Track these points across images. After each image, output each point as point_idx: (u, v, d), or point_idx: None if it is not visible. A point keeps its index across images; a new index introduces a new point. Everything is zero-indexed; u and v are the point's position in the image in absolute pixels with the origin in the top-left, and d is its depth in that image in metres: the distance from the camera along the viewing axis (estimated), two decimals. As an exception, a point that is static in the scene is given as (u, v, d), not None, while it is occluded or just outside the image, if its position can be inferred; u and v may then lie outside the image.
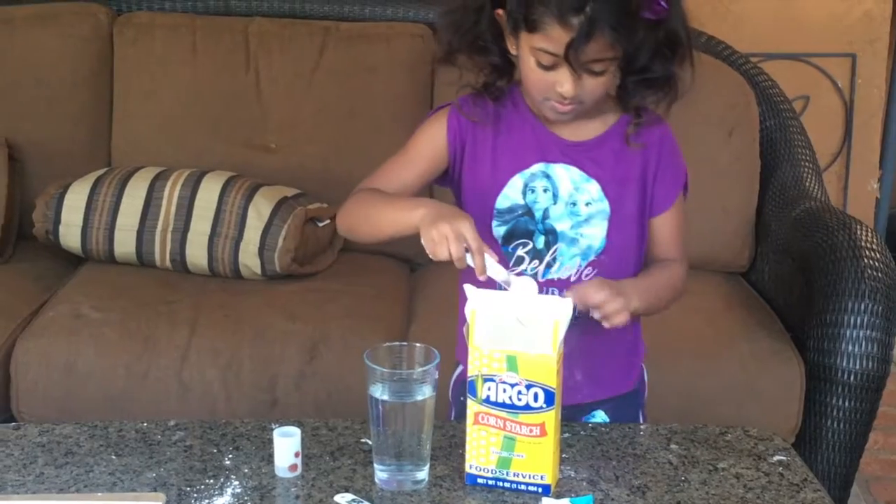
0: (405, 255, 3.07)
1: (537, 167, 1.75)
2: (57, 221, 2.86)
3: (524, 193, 1.75)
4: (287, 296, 2.73)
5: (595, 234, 1.76)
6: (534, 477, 1.56)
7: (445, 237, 1.56)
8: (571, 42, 1.56)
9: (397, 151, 1.82)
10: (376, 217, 1.72)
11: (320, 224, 2.89)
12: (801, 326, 2.63)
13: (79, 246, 2.87)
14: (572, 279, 1.76)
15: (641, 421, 1.90)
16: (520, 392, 1.54)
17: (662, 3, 1.60)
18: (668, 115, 1.74)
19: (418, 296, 2.85)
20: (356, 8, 3.22)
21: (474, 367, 1.54)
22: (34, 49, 3.10)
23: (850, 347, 2.46)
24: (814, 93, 3.76)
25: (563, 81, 1.62)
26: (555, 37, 1.58)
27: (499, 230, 1.76)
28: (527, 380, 1.53)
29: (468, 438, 1.57)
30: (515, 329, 1.53)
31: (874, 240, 2.58)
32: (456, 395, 1.88)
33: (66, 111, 3.10)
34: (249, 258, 2.78)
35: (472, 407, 1.56)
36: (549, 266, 1.76)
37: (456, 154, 1.77)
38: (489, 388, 1.54)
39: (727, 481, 1.61)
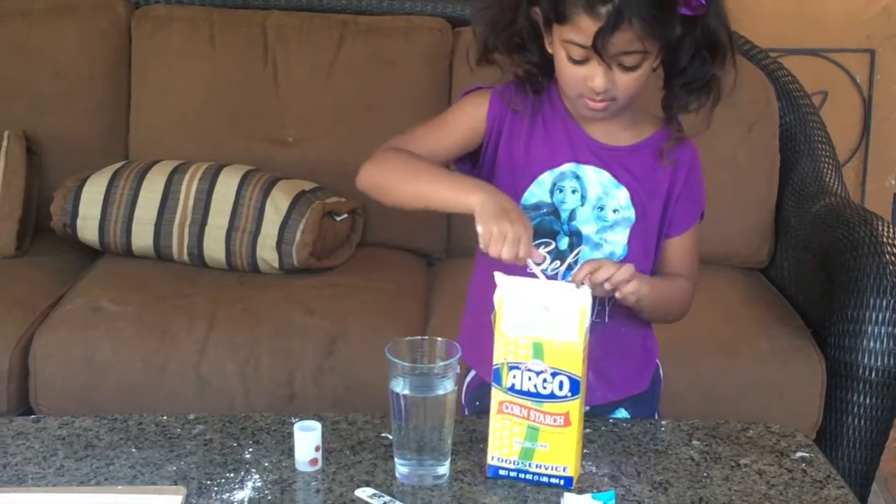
0: (423, 250, 3.07)
1: (568, 167, 1.73)
2: (75, 214, 2.86)
3: (552, 192, 1.73)
4: (305, 290, 2.73)
5: (618, 241, 1.74)
6: (556, 469, 1.55)
7: (505, 237, 1.54)
8: (599, 31, 1.55)
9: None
10: (418, 185, 1.68)
11: (338, 218, 2.89)
12: (821, 323, 2.62)
13: (96, 239, 2.87)
14: None
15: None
16: (545, 380, 1.53)
17: (703, 1, 1.58)
18: (711, 120, 1.71)
19: (436, 291, 2.85)
20: (374, 1, 3.21)
21: (500, 355, 1.54)
22: (52, 42, 3.10)
23: (872, 344, 2.45)
24: (832, 88, 3.74)
25: (594, 75, 1.60)
26: (583, 27, 1.56)
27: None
28: (553, 367, 1.52)
29: (491, 429, 1.57)
30: (542, 316, 1.52)
31: (895, 236, 2.56)
32: (470, 400, 1.88)
33: (84, 104, 3.10)
34: (267, 252, 2.78)
35: (496, 396, 1.55)
36: (570, 268, 1.74)
37: (491, 137, 1.75)
38: (514, 377, 1.54)
39: (749, 477, 1.60)
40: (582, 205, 1.73)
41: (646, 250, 1.77)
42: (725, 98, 1.68)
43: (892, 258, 2.49)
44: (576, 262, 1.73)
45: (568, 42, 1.60)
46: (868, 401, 2.48)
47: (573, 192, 1.73)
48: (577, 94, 1.65)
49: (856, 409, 2.49)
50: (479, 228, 1.57)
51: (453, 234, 3.03)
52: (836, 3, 3.74)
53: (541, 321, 1.52)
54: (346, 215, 2.91)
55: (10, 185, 2.90)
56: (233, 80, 3.08)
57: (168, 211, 2.82)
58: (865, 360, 2.46)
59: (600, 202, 1.73)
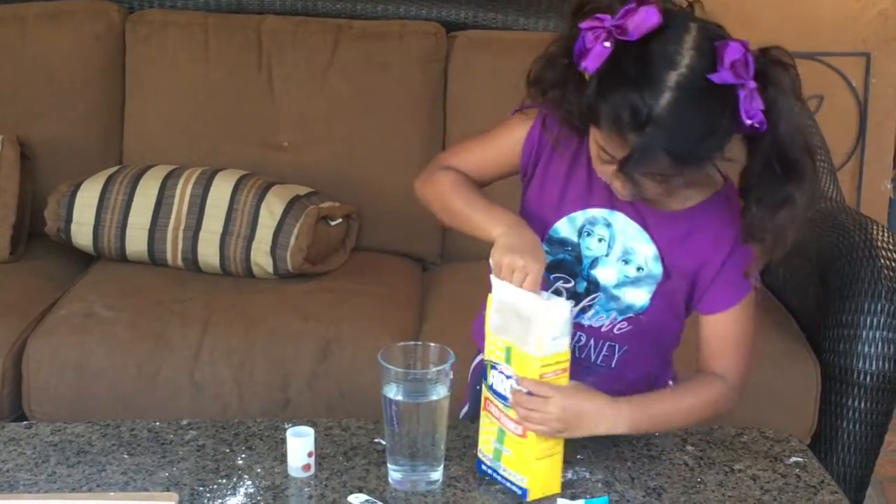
0: (418, 255, 3.07)
1: (602, 212, 1.66)
2: (69, 220, 2.85)
3: (580, 234, 1.68)
4: (299, 295, 2.73)
5: (639, 296, 1.68)
6: (516, 477, 1.56)
7: (513, 270, 1.54)
8: (625, 159, 1.46)
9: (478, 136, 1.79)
10: (457, 211, 1.70)
11: (332, 223, 2.88)
12: (816, 327, 2.62)
13: (90, 244, 2.87)
14: (603, 329, 1.70)
15: None
16: (512, 386, 1.54)
17: (757, 118, 1.44)
18: (787, 248, 1.57)
19: (431, 295, 2.84)
20: (369, 5, 3.20)
21: (488, 353, 1.56)
22: (46, 47, 3.10)
23: (866, 348, 2.45)
24: (828, 92, 3.74)
25: (618, 182, 1.52)
26: (611, 143, 1.48)
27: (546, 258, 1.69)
28: (517, 375, 1.53)
29: (480, 423, 1.59)
30: (515, 322, 1.53)
31: (891, 240, 2.56)
32: (473, 381, 1.85)
33: (78, 109, 3.09)
34: (261, 257, 2.77)
35: (484, 392, 1.58)
36: (584, 311, 1.70)
37: (528, 164, 1.71)
38: (493, 376, 1.56)
39: (743, 483, 1.60)
40: (607, 255, 1.67)
41: (672, 310, 1.69)
42: (801, 226, 1.54)
43: (887, 262, 2.49)
44: (591, 305, 1.70)
45: (596, 143, 1.53)
46: (863, 405, 2.47)
47: (600, 240, 1.66)
48: (607, 181, 1.58)
49: (851, 414, 2.49)
50: (491, 260, 1.57)
51: (448, 238, 3.02)
52: (831, 7, 3.74)
53: (514, 326, 1.53)
54: (340, 220, 2.91)
55: (4, 190, 2.89)
56: (227, 84, 3.07)
57: (162, 216, 2.81)
58: (860, 365, 2.46)
59: (626, 256, 1.66)
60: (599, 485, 1.58)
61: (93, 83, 3.11)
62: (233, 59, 3.08)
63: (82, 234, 2.86)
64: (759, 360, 2.53)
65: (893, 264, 2.49)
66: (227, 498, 1.53)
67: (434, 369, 1.55)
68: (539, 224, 1.66)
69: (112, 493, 1.53)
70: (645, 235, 1.65)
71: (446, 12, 3.19)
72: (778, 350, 2.59)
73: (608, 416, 1.57)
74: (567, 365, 1.53)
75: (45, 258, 2.95)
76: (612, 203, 1.65)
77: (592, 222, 1.67)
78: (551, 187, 1.69)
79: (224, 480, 1.57)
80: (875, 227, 2.61)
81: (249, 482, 1.57)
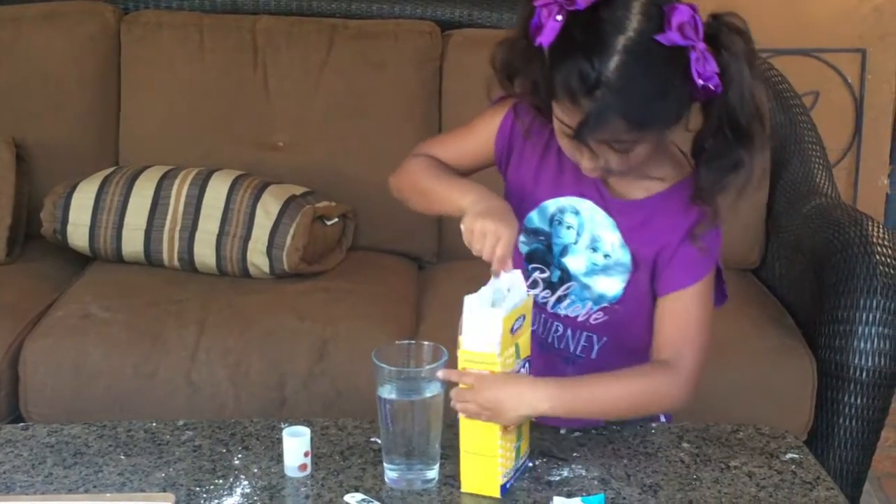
0: (414, 254, 3.07)
1: (572, 200, 1.68)
2: (65, 221, 2.85)
3: (551, 222, 1.70)
4: (296, 295, 2.73)
5: (612, 285, 1.68)
6: (527, 454, 1.61)
7: (485, 235, 1.54)
8: (580, 125, 1.48)
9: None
10: (429, 190, 1.70)
11: (329, 222, 2.88)
12: (812, 323, 2.62)
13: (86, 245, 2.87)
14: (580, 319, 1.72)
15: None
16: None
17: (712, 81, 1.46)
18: (735, 210, 1.61)
19: (427, 294, 2.84)
20: (363, 5, 3.21)
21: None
22: (41, 48, 3.10)
23: (862, 344, 2.45)
24: (823, 88, 3.74)
25: (581, 154, 1.55)
26: (567, 112, 1.50)
27: (522, 247, 1.71)
28: (527, 358, 1.58)
29: (500, 451, 1.54)
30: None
31: (886, 236, 2.56)
32: None
33: (74, 110, 3.09)
34: (258, 257, 2.77)
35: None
36: (559, 300, 1.72)
37: (502, 154, 1.73)
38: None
39: (739, 479, 1.60)
40: (575, 242, 1.69)
41: (643, 300, 1.69)
42: (753, 187, 1.56)
43: (883, 258, 2.49)
44: (566, 294, 1.71)
45: (556, 117, 1.54)
46: (859, 401, 2.47)
47: (569, 228, 1.68)
48: (572, 159, 1.60)
49: (847, 410, 2.49)
50: (462, 226, 1.56)
51: (444, 237, 3.02)
52: (826, 3, 3.74)
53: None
54: (336, 219, 2.91)
55: (0, 192, 2.89)
56: (222, 85, 3.08)
57: (158, 217, 2.81)
58: (856, 361, 2.46)
59: (594, 243, 1.68)
60: (595, 482, 1.58)
61: (88, 84, 3.11)
62: (228, 60, 3.08)
63: (78, 235, 2.86)
64: (755, 356, 2.57)
65: (889, 260, 2.49)
66: (224, 498, 1.53)
67: (427, 367, 1.55)
68: (517, 212, 1.66)
69: (109, 494, 1.53)
70: (611, 222, 1.67)
71: (441, 11, 3.19)
72: (774, 346, 2.60)
73: (527, 398, 1.54)
74: (496, 369, 1.51)
75: (41, 259, 2.95)
76: (580, 191, 1.67)
77: (562, 210, 1.69)
78: (525, 177, 1.71)
79: (220, 481, 1.57)
80: (871, 223, 2.61)
81: (246, 482, 1.57)
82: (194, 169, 2.88)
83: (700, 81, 1.45)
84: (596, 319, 1.71)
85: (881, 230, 2.58)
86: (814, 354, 2.56)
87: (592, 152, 1.52)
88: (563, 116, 1.51)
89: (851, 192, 3.85)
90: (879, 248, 2.51)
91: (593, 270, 1.69)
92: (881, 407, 2.50)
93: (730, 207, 1.59)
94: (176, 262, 2.84)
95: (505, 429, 1.53)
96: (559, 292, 1.71)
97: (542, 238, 1.71)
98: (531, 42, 1.51)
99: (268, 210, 2.78)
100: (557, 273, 1.71)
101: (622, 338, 1.72)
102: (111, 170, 2.93)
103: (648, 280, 1.68)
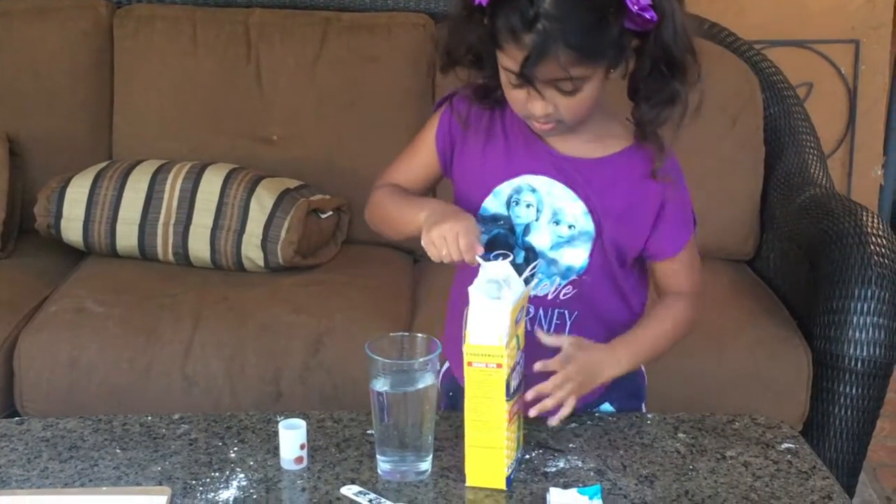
0: (408, 247, 3.06)
1: (525, 178, 1.70)
2: (59, 215, 2.85)
3: (508, 205, 1.71)
4: (290, 288, 2.72)
5: (577, 256, 1.71)
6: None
7: (444, 238, 1.56)
8: (524, 61, 1.52)
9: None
10: (392, 218, 1.75)
11: (323, 216, 2.88)
12: (807, 314, 2.62)
13: (81, 240, 2.86)
14: (549, 297, 1.73)
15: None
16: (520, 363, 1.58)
17: (647, 13, 1.53)
18: (677, 139, 1.66)
19: (422, 287, 2.84)
20: (356, -3, 3.21)
21: (507, 367, 1.52)
22: (34, 42, 3.09)
23: (857, 334, 2.45)
24: (817, 79, 3.74)
25: (533, 100, 1.58)
26: (511, 55, 1.54)
27: (482, 237, 1.69)
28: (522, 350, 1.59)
29: (506, 443, 1.54)
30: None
31: (880, 226, 2.57)
32: (445, 389, 1.87)
33: (67, 104, 3.09)
34: (252, 250, 2.77)
35: (509, 409, 1.54)
36: (527, 281, 1.70)
37: (445, 153, 1.76)
38: (514, 378, 1.55)
39: (735, 469, 1.60)
40: (537, 219, 1.71)
41: (609, 265, 1.73)
42: (691, 115, 1.63)
43: (877, 249, 2.49)
44: (532, 275, 1.72)
45: (503, 67, 1.58)
46: (854, 391, 2.48)
47: (528, 206, 1.70)
48: (522, 115, 1.64)
49: (842, 400, 2.49)
50: (423, 243, 1.58)
51: (439, 230, 3.02)
52: (820, -5, 3.75)
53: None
54: (331, 213, 2.91)
55: (-6, 187, 2.89)
56: (216, 78, 3.07)
57: (152, 211, 2.81)
58: (851, 351, 2.46)
59: (556, 217, 1.70)
60: (592, 473, 1.58)
61: (81, 78, 3.10)
62: (221, 53, 3.08)
63: (72, 229, 2.85)
64: (750, 347, 2.57)
65: (883, 250, 2.49)
66: (220, 491, 1.53)
67: (420, 359, 1.55)
68: (467, 207, 1.70)
69: (105, 488, 1.53)
70: (570, 193, 1.69)
71: (434, 3, 3.18)
72: (769, 337, 2.60)
73: (611, 360, 1.67)
74: (502, 361, 1.51)
75: (35, 254, 2.95)
76: (533, 167, 1.70)
77: (518, 190, 1.71)
78: (472, 169, 1.73)
79: (217, 474, 1.57)
80: (864, 213, 2.61)
81: (242, 475, 1.57)
82: (188, 163, 2.88)
83: (635, 8, 1.51)
84: (565, 294, 1.74)
85: (876, 220, 2.59)
86: (809, 345, 2.56)
87: (541, 96, 1.56)
88: (509, 62, 1.55)
89: (845, 182, 3.85)
90: (874, 239, 2.51)
91: (559, 244, 1.72)
92: (876, 397, 2.50)
93: (672, 140, 1.66)
94: (170, 257, 2.83)
95: (510, 420, 1.53)
96: (525, 273, 1.72)
97: (500, 223, 1.72)
98: (471, 7, 1.57)
99: (262, 203, 2.77)
100: (522, 254, 1.73)
101: (592, 309, 1.75)
102: (105, 164, 2.92)
103: (618, 243, 1.72)
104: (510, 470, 1.55)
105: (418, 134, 1.81)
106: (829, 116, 3.71)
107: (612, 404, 1.83)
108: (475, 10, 1.57)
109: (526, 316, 1.64)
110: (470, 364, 1.52)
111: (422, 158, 1.79)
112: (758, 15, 3.65)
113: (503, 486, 1.54)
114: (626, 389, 1.84)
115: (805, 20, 3.73)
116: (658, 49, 1.57)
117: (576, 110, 1.60)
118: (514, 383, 1.54)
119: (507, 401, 1.52)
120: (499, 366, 1.51)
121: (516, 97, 1.61)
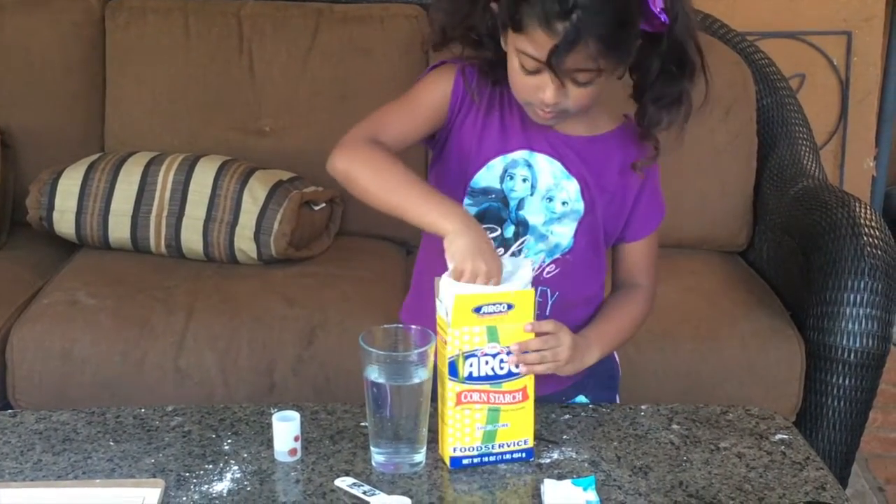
0: (401, 238, 3.06)
1: (521, 154, 1.72)
2: (51, 208, 2.84)
3: (502, 179, 1.72)
4: (283, 280, 2.72)
5: (564, 233, 1.74)
6: (517, 444, 1.59)
7: (476, 276, 1.54)
8: (555, 49, 1.52)
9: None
10: (391, 196, 1.63)
11: (316, 207, 2.87)
12: (800, 305, 2.62)
13: (73, 232, 2.85)
14: (534, 273, 1.73)
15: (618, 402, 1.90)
16: (501, 361, 1.56)
17: (662, 16, 1.56)
18: (683, 137, 1.68)
19: (415, 279, 2.84)
20: (349, -11, 3.20)
21: (454, 347, 1.54)
22: (25, 35, 3.08)
23: (850, 325, 2.45)
24: (809, 71, 3.74)
25: (545, 88, 1.58)
26: (539, 41, 1.53)
27: (470, 210, 1.72)
28: (508, 347, 1.56)
29: (450, 422, 1.56)
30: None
31: (873, 217, 2.57)
32: None
33: (59, 97, 3.08)
34: (245, 243, 2.76)
35: (452, 389, 1.55)
36: (513, 255, 1.74)
37: (453, 114, 1.73)
38: (471, 364, 1.55)
39: (729, 461, 1.60)
40: (531, 194, 1.72)
41: (593, 245, 1.76)
42: (696, 112, 1.65)
43: (870, 240, 2.49)
44: (519, 250, 1.73)
45: (521, 52, 1.57)
46: (847, 382, 2.48)
47: (524, 180, 1.72)
48: (526, 101, 1.64)
49: (835, 391, 2.49)
50: (451, 265, 1.56)
51: (432, 222, 3.01)
52: (813, -14, 3.74)
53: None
54: (324, 205, 2.90)
55: (-15, 179, 2.89)
56: (208, 70, 3.06)
57: (145, 203, 2.80)
58: (844, 342, 2.46)
59: (550, 193, 1.72)
60: (586, 464, 1.58)
61: (73, 70, 3.09)
62: (213, 45, 3.07)
63: (64, 221, 2.84)
64: (744, 338, 2.57)
65: (876, 241, 2.49)
66: (214, 483, 1.53)
67: (415, 351, 1.55)
68: (460, 177, 1.71)
69: (98, 481, 1.53)
70: (565, 172, 1.71)
71: (427, -4, 3.18)
72: (762, 328, 2.60)
73: (589, 349, 1.70)
74: (446, 336, 1.55)
75: (27, 247, 2.94)
76: (529, 144, 1.71)
77: (513, 165, 1.72)
78: (468, 140, 1.72)
79: (210, 466, 1.57)
80: (857, 204, 2.62)
81: (236, 467, 1.56)
82: (181, 155, 2.87)
83: (657, 9, 1.54)
84: (549, 273, 1.75)
85: (869, 211, 2.59)
86: (802, 336, 2.56)
87: (561, 84, 1.56)
88: (532, 48, 1.55)
89: (837, 174, 3.85)
90: (867, 230, 2.51)
91: (550, 220, 1.73)
92: (869, 388, 2.50)
93: (676, 141, 1.69)
94: (163, 249, 2.83)
95: (458, 402, 1.55)
96: (513, 248, 1.74)
97: (492, 196, 1.73)
98: None
99: (255, 195, 2.77)
100: (512, 228, 1.74)
101: (571, 291, 1.77)
102: (97, 156, 2.91)
103: (602, 224, 1.75)
104: (462, 453, 1.57)
105: (415, 91, 1.75)
106: (821, 108, 3.71)
107: (586, 395, 1.83)
108: None
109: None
110: (437, 333, 1.56)
111: (425, 118, 1.73)
112: (750, 6, 3.65)
113: (447, 461, 1.57)
114: (600, 380, 1.85)
115: (797, 12, 3.72)
116: (671, 50, 1.60)
117: (582, 101, 1.61)
118: (471, 370, 1.55)
119: (451, 379, 1.54)
120: (444, 342, 1.54)
121: (525, 83, 1.60)
